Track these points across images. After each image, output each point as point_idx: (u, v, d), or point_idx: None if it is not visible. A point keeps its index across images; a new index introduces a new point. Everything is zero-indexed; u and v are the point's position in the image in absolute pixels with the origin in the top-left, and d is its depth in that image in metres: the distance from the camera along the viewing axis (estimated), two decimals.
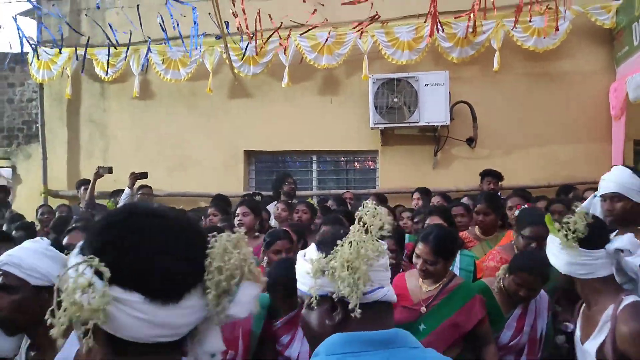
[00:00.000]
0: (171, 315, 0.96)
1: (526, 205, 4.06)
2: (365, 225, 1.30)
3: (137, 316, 0.94)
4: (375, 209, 1.32)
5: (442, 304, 2.71)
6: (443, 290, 2.75)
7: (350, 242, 1.27)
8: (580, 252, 1.97)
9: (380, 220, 1.31)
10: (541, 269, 2.66)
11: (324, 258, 1.27)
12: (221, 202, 5.53)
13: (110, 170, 6.80)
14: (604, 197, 2.84)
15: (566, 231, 1.99)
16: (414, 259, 2.82)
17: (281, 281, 2.61)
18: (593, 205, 2.98)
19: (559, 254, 2.05)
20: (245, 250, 1.07)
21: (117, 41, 7.16)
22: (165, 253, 0.98)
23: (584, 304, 2.14)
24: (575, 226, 1.98)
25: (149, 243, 0.98)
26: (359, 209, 1.33)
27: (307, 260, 1.32)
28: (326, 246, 1.31)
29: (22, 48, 7.27)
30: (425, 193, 5.61)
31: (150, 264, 0.96)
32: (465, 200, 5.12)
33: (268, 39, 6.71)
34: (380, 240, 1.29)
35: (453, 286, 2.77)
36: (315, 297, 1.26)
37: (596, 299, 2.00)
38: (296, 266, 1.37)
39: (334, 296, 1.25)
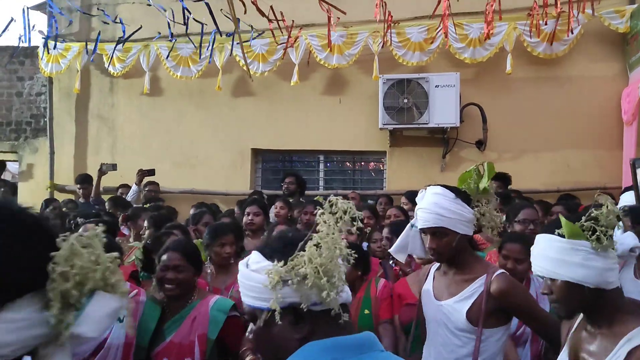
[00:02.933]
0: None
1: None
2: (336, 220, 1.21)
3: None
4: (337, 203, 1.24)
5: None
6: None
7: (317, 243, 1.17)
8: (611, 254, 1.66)
9: (350, 211, 1.23)
10: (524, 237, 2.88)
11: (283, 266, 1.15)
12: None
13: (114, 167, 6.80)
14: (424, 232, 2.36)
15: (600, 229, 1.64)
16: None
17: None
18: (412, 237, 2.64)
19: (588, 261, 1.65)
20: (99, 251, 0.90)
21: (124, 33, 7.12)
22: None
23: (582, 324, 1.81)
24: (608, 221, 1.65)
25: None
26: (324, 206, 1.25)
27: (257, 271, 1.19)
28: (279, 253, 1.19)
29: (28, 40, 7.23)
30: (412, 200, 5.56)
31: None
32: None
33: (291, 40, 6.65)
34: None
35: None
36: (278, 311, 1.13)
37: (613, 315, 1.67)
38: (239, 279, 1.25)
39: (302, 306, 1.15)
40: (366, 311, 3.05)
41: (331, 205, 1.25)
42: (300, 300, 1.15)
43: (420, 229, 2.39)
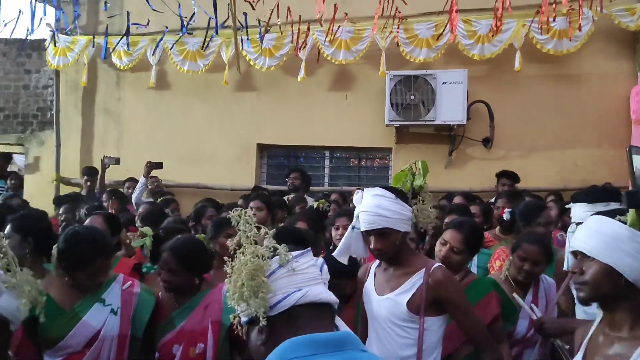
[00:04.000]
0: None
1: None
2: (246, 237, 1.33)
3: None
4: (244, 214, 1.36)
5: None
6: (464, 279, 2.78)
7: (233, 266, 1.31)
8: None
9: (253, 225, 1.35)
10: (542, 239, 2.85)
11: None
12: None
13: (117, 161, 6.80)
14: (367, 233, 2.42)
15: None
16: (438, 247, 2.83)
17: None
18: (354, 239, 2.55)
19: (639, 254, 1.59)
20: None
21: (128, 29, 7.11)
22: None
23: (603, 326, 1.72)
24: None
25: None
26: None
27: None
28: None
29: (32, 29, 7.16)
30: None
31: None
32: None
33: (306, 39, 6.61)
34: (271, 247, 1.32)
35: (468, 281, 2.81)
36: (243, 325, 1.31)
37: (636, 318, 1.60)
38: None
39: (254, 317, 1.27)
40: None
41: (238, 222, 1.37)
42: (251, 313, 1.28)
43: (363, 231, 2.44)
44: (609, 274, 1.61)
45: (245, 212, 1.37)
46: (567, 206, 4.60)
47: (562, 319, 2.52)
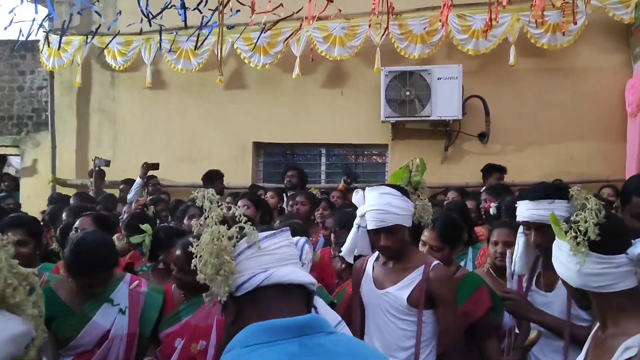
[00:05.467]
0: None
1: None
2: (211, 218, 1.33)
3: None
4: (207, 198, 1.38)
5: None
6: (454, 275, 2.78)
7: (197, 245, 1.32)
8: (596, 259, 1.56)
9: (218, 208, 1.35)
10: (512, 223, 2.85)
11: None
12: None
13: (107, 163, 6.79)
14: (376, 232, 2.49)
15: (575, 233, 1.59)
16: (420, 247, 2.85)
17: None
18: (360, 238, 2.73)
19: (568, 262, 1.61)
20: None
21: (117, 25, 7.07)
22: None
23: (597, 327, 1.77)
24: (585, 226, 1.59)
25: None
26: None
27: None
28: None
29: (28, 32, 7.14)
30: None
31: None
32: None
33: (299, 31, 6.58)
34: (236, 227, 1.31)
35: (460, 276, 2.83)
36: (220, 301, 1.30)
37: (616, 319, 1.58)
38: None
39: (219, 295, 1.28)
40: None
41: (196, 203, 1.40)
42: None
43: (371, 229, 2.51)
44: (567, 285, 1.69)
45: (209, 192, 1.40)
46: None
47: (536, 308, 2.36)
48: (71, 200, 5.73)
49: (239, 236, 1.31)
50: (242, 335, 1.17)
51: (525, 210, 2.37)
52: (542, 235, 2.29)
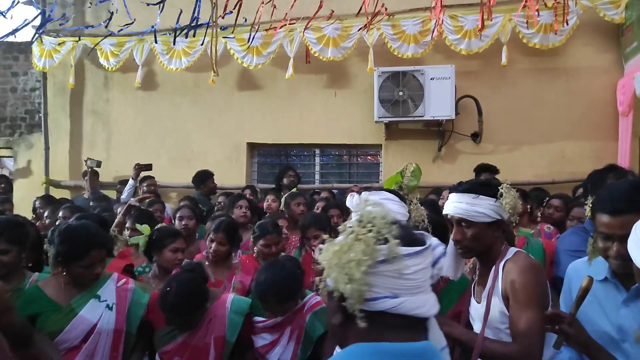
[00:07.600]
0: None
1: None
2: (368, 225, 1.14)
3: None
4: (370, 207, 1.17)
5: (442, 295, 2.68)
6: (440, 281, 2.72)
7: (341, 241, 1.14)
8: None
9: (384, 220, 1.14)
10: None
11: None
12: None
13: (98, 164, 6.79)
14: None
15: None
16: None
17: (270, 292, 2.55)
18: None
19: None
20: None
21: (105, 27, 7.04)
22: None
23: None
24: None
25: None
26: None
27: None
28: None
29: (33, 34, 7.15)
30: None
31: None
32: None
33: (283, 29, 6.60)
34: (388, 243, 1.12)
35: (447, 278, 2.72)
36: (324, 287, 1.14)
37: None
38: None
39: (334, 294, 1.13)
40: None
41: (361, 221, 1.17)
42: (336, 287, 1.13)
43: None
44: None
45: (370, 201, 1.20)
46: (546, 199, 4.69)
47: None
48: (60, 213, 5.47)
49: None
50: (349, 353, 1.09)
51: (450, 202, 2.21)
52: (461, 231, 2.15)
